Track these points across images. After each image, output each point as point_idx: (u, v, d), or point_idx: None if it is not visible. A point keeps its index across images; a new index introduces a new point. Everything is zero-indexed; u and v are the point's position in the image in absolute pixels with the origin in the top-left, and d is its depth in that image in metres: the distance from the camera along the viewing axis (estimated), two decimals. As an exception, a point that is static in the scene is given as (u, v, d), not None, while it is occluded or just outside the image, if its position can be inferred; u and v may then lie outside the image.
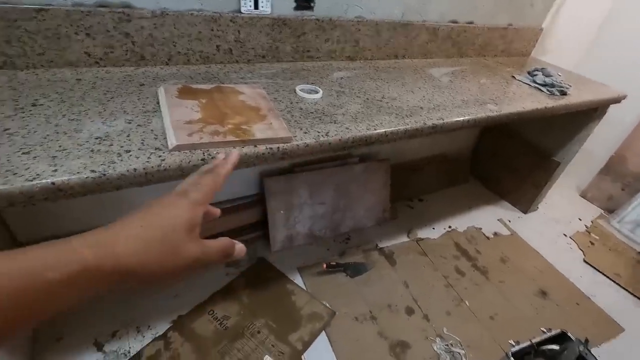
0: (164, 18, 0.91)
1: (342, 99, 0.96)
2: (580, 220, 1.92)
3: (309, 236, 1.46)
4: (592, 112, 1.52)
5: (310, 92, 0.96)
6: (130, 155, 0.62)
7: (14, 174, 0.54)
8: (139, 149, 0.64)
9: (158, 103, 0.79)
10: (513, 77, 1.42)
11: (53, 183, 0.55)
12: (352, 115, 0.89)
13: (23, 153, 0.58)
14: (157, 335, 1.07)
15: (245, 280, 1.28)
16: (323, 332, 1.15)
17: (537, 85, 1.34)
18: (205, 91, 0.84)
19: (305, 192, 1.40)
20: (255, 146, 0.71)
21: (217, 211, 0.40)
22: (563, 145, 1.65)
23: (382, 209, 1.61)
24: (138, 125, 0.70)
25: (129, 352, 1.02)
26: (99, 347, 1.02)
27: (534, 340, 1.16)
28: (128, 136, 0.67)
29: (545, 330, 1.26)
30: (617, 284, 1.54)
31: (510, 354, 1.11)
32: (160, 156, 0.63)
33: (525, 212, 1.88)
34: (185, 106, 0.77)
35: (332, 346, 1.12)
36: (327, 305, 1.23)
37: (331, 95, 0.97)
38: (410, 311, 1.27)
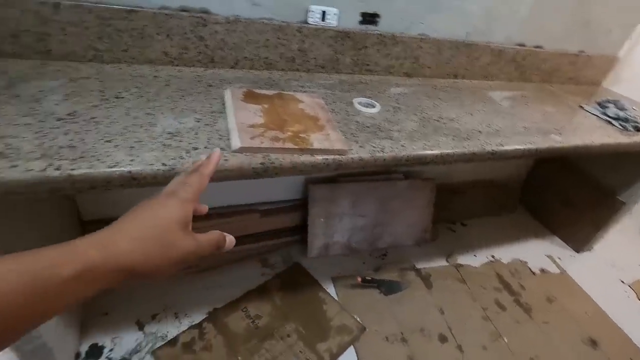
0: (236, 24, 0.96)
1: (399, 116, 0.96)
2: (641, 267, 1.76)
3: (346, 247, 1.46)
4: (668, 152, 1.39)
5: (367, 105, 0.97)
6: (198, 153, 0.66)
7: (98, 160, 0.59)
8: (205, 147, 0.68)
9: (224, 104, 0.83)
10: (581, 107, 1.33)
11: (130, 172, 0.59)
12: (408, 133, 0.88)
13: (106, 141, 0.64)
14: (193, 324, 1.11)
15: (280, 282, 1.30)
16: (351, 346, 1.14)
17: (608, 118, 1.25)
18: (267, 97, 0.88)
19: (348, 203, 1.40)
20: (312, 155, 0.72)
21: (204, 208, 0.43)
22: (630, 184, 1.52)
23: (423, 228, 1.57)
24: (205, 124, 0.75)
25: (167, 335, 1.07)
26: (140, 327, 1.08)
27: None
28: (196, 134, 0.71)
29: (591, 383, 1.16)
30: (681, 344, 1.39)
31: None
32: (224, 156, 0.66)
33: (578, 250, 1.75)
34: (249, 110, 0.80)
35: (359, 362, 1.10)
36: (358, 319, 1.22)
37: (388, 111, 0.97)
38: (443, 339, 1.22)
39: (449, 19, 1.21)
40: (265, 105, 0.83)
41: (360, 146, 0.79)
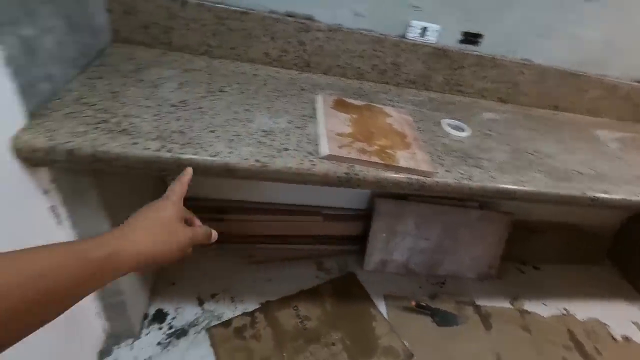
0: (337, 33, 0.99)
1: (489, 143, 0.91)
2: None
3: (403, 266, 1.41)
4: None
5: (456, 128, 0.93)
6: (288, 154, 0.69)
7: (202, 148, 0.65)
8: (294, 150, 0.70)
9: (314, 109, 0.86)
10: None
11: (227, 163, 0.64)
12: (499, 164, 0.83)
13: (209, 131, 0.69)
14: (246, 311, 1.16)
15: (332, 288, 1.30)
16: (396, 370, 1.10)
17: None
18: (356, 107, 0.88)
19: (413, 223, 1.36)
20: (397, 173, 0.71)
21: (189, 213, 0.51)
22: None
23: (489, 264, 1.47)
24: (296, 126, 0.77)
25: (222, 316, 1.13)
26: (200, 303, 1.16)
27: None
28: (287, 135, 0.74)
29: None
30: None
31: None
32: (311, 161, 0.68)
33: (674, 325, 1.50)
34: (338, 118, 0.81)
35: (402, 389, 1.06)
36: (406, 344, 1.18)
37: (477, 137, 0.92)
38: (496, 387, 1.13)
39: (559, 46, 1.11)
40: (354, 115, 0.84)
41: (447, 170, 0.76)
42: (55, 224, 0.70)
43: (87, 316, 0.90)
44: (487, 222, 1.40)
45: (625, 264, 1.71)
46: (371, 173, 0.70)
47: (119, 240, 0.36)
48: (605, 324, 1.43)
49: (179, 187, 0.49)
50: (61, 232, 0.72)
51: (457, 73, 1.11)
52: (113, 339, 1.01)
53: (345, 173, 0.68)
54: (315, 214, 1.37)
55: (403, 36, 1.03)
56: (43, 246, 0.32)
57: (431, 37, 1.03)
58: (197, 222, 0.50)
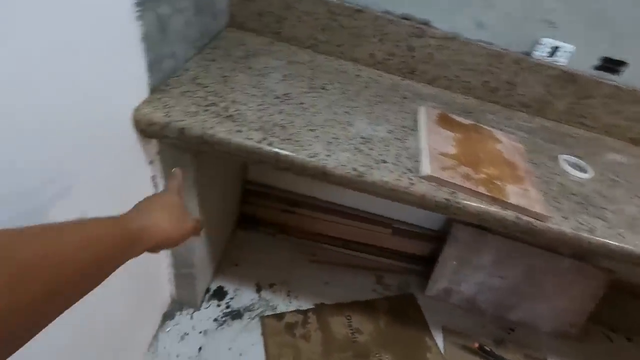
0: (451, 42, 0.91)
1: (616, 191, 0.77)
2: None
3: (469, 301, 1.30)
4: None
5: (575, 167, 0.80)
6: (386, 167, 0.64)
7: (301, 146, 0.63)
8: (393, 164, 0.66)
9: (415, 121, 0.80)
10: None
11: (324, 167, 0.61)
12: (628, 219, 0.70)
13: (309, 130, 0.67)
14: (299, 308, 1.16)
15: (388, 306, 1.24)
16: (445, 413, 1.02)
17: None
18: (462, 125, 0.81)
19: (489, 257, 1.23)
20: (504, 209, 0.63)
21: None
22: None
23: (571, 322, 1.28)
24: (396, 137, 0.73)
25: (276, 308, 1.14)
26: (258, 290, 1.18)
27: None
28: (386, 146, 0.69)
29: None
30: None
31: None
32: (410, 179, 0.63)
33: None
34: (442, 135, 0.75)
35: None
36: (461, 387, 1.08)
37: (601, 181, 0.79)
38: None
39: None
40: (459, 135, 0.77)
41: (564, 217, 0.65)
42: (152, 193, 0.74)
43: (161, 281, 0.96)
44: (578, 275, 1.22)
45: None
46: (474, 204, 0.62)
47: (135, 220, 0.38)
48: None
49: (177, 182, 0.52)
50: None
51: (583, 103, 0.96)
52: (177, 306, 1.06)
53: (445, 199, 0.62)
54: (385, 225, 1.31)
55: (528, 53, 0.91)
56: (85, 218, 0.33)
57: (561, 59, 0.90)
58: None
